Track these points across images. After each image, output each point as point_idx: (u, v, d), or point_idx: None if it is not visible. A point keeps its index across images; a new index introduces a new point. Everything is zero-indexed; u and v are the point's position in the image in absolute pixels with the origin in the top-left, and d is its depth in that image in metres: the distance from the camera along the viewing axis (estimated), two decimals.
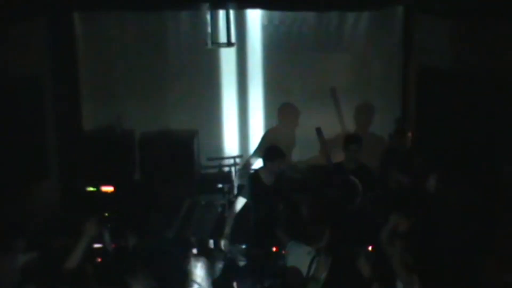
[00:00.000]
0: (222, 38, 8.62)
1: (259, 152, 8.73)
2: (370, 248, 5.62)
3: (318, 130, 7.28)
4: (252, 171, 7.58)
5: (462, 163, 7.60)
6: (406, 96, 9.04)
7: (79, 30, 8.56)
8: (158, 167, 8.35)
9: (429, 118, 8.46)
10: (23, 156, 7.69)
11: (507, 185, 6.96)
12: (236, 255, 6.53)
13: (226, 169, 8.65)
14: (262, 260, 6.41)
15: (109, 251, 5.46)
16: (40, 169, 8.17)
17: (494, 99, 7.23)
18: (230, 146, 8.97)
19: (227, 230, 6.61)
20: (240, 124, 9.01)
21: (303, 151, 8.94)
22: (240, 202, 7.03)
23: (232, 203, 7.32)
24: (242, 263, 6.46)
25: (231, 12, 8.61)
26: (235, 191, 7.81)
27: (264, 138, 8.91)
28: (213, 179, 8.52)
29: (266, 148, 7.20)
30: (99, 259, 5.35)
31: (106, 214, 7.15)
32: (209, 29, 8.53)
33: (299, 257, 5.23)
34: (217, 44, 8.65)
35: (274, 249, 6.55)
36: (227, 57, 8.83)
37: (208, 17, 8.52)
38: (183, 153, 8.56)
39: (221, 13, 8.61)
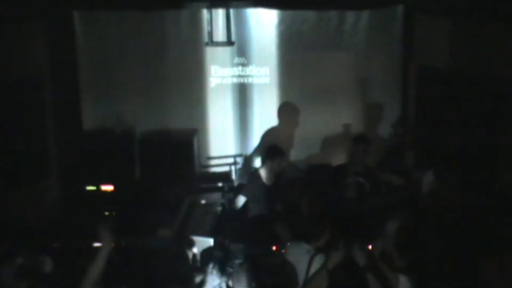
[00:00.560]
0: (222, 37, 8.62)
1: (258, 151, 8.74)
2: (370, 247, 5.61)
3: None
4: (252, 170, 7.57)
5: (460, 163, 7.61)
6: (406, 96, 9.03)
7: (79, 30, 8.56)
8: (158, 166, 8.35)
9: (429, 117, 8.46)
10: (23, 156, 7.70)
11: (505, 185, 6.96)
12: (235, 253, 6.52)
13: (226, 168, 8.66)
14: (261, 259, 6.41)
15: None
16: (40, 168, 8.18)
17: (494, 99, 7.23)
18: (230, 145, 8.97)
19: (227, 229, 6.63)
20: (240, 123, 9.01)
21: (303, 150, 8.95)
22: (240, 201, 7.05)
23: (232, 202, 7.34)
24: (241, 262, 6.45)
25: (231, 11, 8.61)
26: (235, 190, 7.80)
27: (263, 137, 8.92)
28: (213, 178, 8.53)
29: (266, 148, 7.20)
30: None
31: (106, 213, 7.18)
32: (208, 28, 8.54)
33: (298, 256, 5.24)
34: (217, 43, 8.65)
35: (274, 248, 6.56)
36: (227, 56, 8.83)
37: (208, 16, 8.53)
38: (183, 152, 8.56)
39: (221, 12, 8.60)
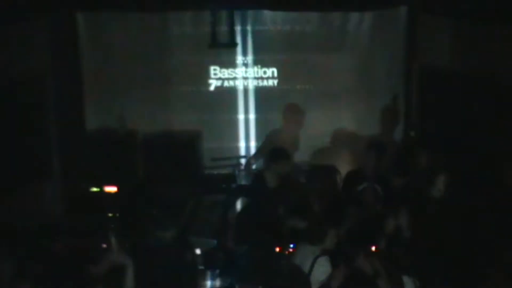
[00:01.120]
0: (225, 39, 8.62)
1: (262, 152, 8.74)
2: (373, 248, 5.61)
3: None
4: (256, 172, 7.55)
5: (463, 164, 7.60)
6: (409, 96, 9.02)
7: (82, 30, 8.57)
8: (161, 168, 8.35)
9: (432, 117, 8.45)
10: (26, 156, 7.70)
11: (507, 185, 6.95)
12: (239, 255, 6.52)
13: (230, 169, 8.65)
14: (265, 260, 6.40)
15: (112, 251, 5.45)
16: (43, 169, 8.18)
17: (496, 99, 7.22)
18: (234, 146, 8.96)
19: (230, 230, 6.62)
20: (244, 124, 9.00)
21: (307, 152, 8.94)
22: (243, 202, 7.03)
23: (235, 203, 7.33)
24: (245, 263, 6.45)
25: (235, 13, 8.61)
26: (238, 192, 7.79)
27: (268, 138, 8.91)
28: (217, 179, 8.53)
29: (271, 150, 7.17)
30: (104, 245, 5.35)
31: (110, 215, 7.18)
32: (212, 30, 8.53)
33: (305, 257, 5.24)
34: (221, 44, 8.65)
35: (277, 249, 6.55)
36: (230, 57, 8.83)
37: (211, 17, 8.52)
38: (186, 154, 8.57)
39: (224, 14, 8.60)
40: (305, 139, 8.95)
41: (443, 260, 5.43)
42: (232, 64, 8.84)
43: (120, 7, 8.36)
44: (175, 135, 8.76)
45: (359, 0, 8.57)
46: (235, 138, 9.01)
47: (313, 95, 8.94)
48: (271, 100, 8.97)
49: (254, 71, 8.88)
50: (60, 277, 5.16)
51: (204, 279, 6.15)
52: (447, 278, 5.28)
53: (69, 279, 5.10)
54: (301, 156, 8.92)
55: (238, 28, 8.68)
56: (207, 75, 8.85)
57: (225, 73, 8.85)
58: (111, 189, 7.92)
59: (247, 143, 9.02)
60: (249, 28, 8.77)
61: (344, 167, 8.05)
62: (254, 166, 8.73)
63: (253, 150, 8.99)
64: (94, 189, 7.92)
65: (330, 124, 8.96)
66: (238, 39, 8.69)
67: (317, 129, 8.95)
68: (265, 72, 8.89)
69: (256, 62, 8.86)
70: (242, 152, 8.93)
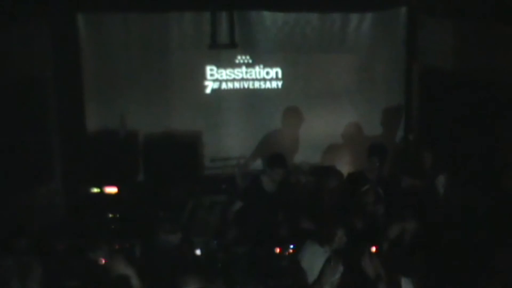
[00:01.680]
0: (225, 39, 8.62)
1: (260, 153, 8.75)
2: (374, 248, 5.62)
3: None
4: (254, 175, 7.51)
5: (464, 164, 7.60)
6: (410, 97, 9.03)
7: (83, 31, 8.56)
8: (161, 168, 8.36)
9: (433, 118, 8.46)
10: (27, 157, 7.71)
11: (507, 187, 6.95)
12: (239, 256, 6.53)
13: (230, 170, 8.65)
14: (265, 261, 6.41)
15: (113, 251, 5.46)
16: (44, 170, 8.18)
17: (497, 100, 7.22)
18: (234, 147, 8.96)
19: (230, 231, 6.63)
20: (244, 125, 9.01)
21: (307, 152, 8.95)
22: (242, 204, 7.02)
23: (235, 204, 7.33)
24: (245, 264, 6.46)
25: (235, 13, 8.61)
26: (238, 193, 7.79)
27: (264, 140, 8.92)
28: (217, 180, 8.53)
29: (269, 156, 7.18)
30: (104, 261, 5.36)
31: (110, 215, 7.19)
32: (212, 30, 8.53)
33: (313, 257, 5.25)
34: (221, 45, 8.65)
35: (277, 250, 6.56)
36: (230, 58, 8.83)
37: (211, 18, 8.52)
38: (186, 154, 8.57)
39: (224, 14, 8.60)
40: (306, 140, 8.96)
41: (443, 261, 5.45)
42: (231, 64, 8.82)
43: (121, 8, 8.37)
44: (176, 135, 8.76)
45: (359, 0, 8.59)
46: (235, 139, 8.99)
47: (313, 96, 8.94)
48: (271, 100, 8.95)
49: (254, 71, 8.86)
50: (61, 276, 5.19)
51: (205, 279, 6.16)
52: (447, 279, 5.30)
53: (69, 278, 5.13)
54: (302, 156, 8.95)
55: (238, 29, 8.67)
56: (207, 76, 8.84)
57: (224, 73, 8.83)
58: (112, 190, 7.94)
59: (247, 143, 9.00)
60: (249, 29, 8.75)
61: (345, 168, 8.08)
62: (250, 167, 8.74)
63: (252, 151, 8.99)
64: (95, 190, 7.94)
65: (330, 125, 8.95)
66: (238, 40, 8.66)
67: (318, 129, 8.95)
68: (263, 73, 8.88)
69: (256, 62, 8.84)
70: (242, 153, 8.91)
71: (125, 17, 8.55)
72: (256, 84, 8.91)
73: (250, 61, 8.84)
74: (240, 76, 8.86)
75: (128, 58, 8.69)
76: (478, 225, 6.39)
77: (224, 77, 8.84)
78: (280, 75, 8.90)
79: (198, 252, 6.44)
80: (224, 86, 8.86)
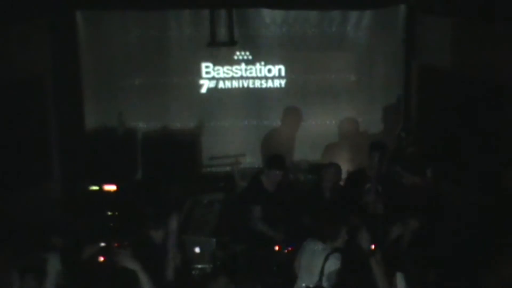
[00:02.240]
0: (225, 37, 8.62)
1: (260, 151, 8.77)
2: (373, 246, 5.63)
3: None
4: (253, 174, 7.52)
5: (462, 162, 7.61)
6: (409, 95, 9.03)
7: (82, 30, 8.57)
8: (160, 166, 8.36)
9: (431, 116, 8.46)
10: (25, 155, 7.71)
11: (506, 184, 6.96)
12: (238, 253, 6.54)
13: (228, 168, 8.65)
14: (264, 258, 6.42)
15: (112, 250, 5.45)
16: (43, 169, 8.19)
17: (495, 98, 7.23)
18: (232, 145, 8.96)
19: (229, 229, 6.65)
20: (243, 123, 9.01)
21: (306, 150, 8.95)
22: (242, 202, 7.03)
23: (234, 202, 7.34)
24: (244, 262, 6.47)
25: (234, 11, 8.61)
26: (237, 190, 7.80)
27: (265, 138, 8.93)
28: (215, 178, 8.54)
29: (270, 156, 7.21)
30: (102, 258, 5.37)
31: (109, 213, 7.19)
32: (211, 28, 8.53)
33: (313, 254, 5.26)
34: (220, 43, 8.65)
35: (276, 248, 6.56)
36: (228, 55, 8.83)
37: (210, 16, 8.52)
38: (185, 152, 8.58)
39: (224, 12, 8.60)
40: (305, 137, 8.96)
41: (442, 261, 5.47)
42: (230, 61, 8.82)
43: (119, 6, 8.37)
44: (174, 133, 8.77)
45: None
46: (234, 137, 8.99)
47: (312, 93, 8.94)
48: (271, 98, 8.95)
49: (252, 68, 8.86)
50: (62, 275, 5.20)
51: (203, 278, 6.17)
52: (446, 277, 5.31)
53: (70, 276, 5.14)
54: (301, 154, 8.95)
55: (237, 27, 8.67)
56: (206, 74, 8.84)
57: (223, 70, 8.83)
58: (111, 187, 7.95)
59: (246, 141, 9.01)
60: (248, 27, 8.75)
61: (345, 165, 8.08)
62: (250, 165, 8.75)
63: (251, 149, 8.98)
64: (94, 188, 7.95)
65: (330, 123, 8.96)
66: (237, 38, 8.66)
67: (317, 127, 8.96)
68: (263, 70, 8.88)
69: (254, 60, 8.83)
70: (241, 150, 8.91)
71: (124, 15, 8.56)
72: (257, 82, 8.91)
73: (248, 59, 8.84)
74: (239, 74, 8.86)
75: (127, 56, 8.70)
76: (478, 225, 6.41)
77: (222, 75, 8.85)
78: (283, 73, 8.90)
79: (197, 250, 6.45)
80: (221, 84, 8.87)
